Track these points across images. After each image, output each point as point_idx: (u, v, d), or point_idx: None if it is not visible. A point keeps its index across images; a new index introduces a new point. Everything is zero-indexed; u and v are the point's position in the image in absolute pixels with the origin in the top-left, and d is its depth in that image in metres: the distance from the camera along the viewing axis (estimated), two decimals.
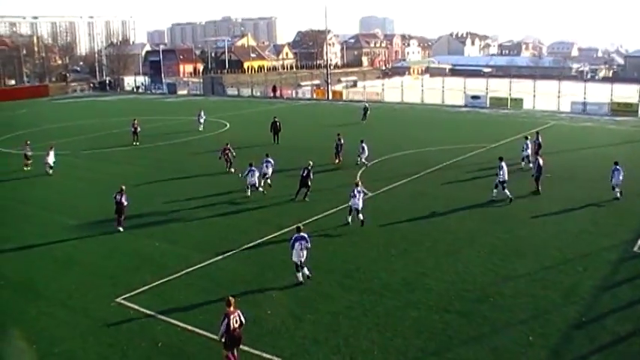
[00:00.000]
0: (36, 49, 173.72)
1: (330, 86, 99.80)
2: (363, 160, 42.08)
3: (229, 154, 41.10)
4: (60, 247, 27.44)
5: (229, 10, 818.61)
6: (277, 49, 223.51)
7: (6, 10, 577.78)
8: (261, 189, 34.99)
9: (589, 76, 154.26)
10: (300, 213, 30.69)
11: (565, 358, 17.35)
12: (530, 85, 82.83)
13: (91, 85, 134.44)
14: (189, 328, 19.15)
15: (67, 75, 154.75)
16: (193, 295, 21.57)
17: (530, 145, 41.57)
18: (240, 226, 29.60)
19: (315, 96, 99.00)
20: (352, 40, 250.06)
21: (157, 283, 22.75)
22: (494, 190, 33.67)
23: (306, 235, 22.61)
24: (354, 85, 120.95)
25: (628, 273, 23.24)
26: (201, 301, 21.07)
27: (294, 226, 24.07)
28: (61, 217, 32.11)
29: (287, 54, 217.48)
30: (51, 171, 42.34)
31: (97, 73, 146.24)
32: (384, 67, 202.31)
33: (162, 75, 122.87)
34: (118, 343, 18.54)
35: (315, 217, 30.36)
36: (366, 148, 42.30)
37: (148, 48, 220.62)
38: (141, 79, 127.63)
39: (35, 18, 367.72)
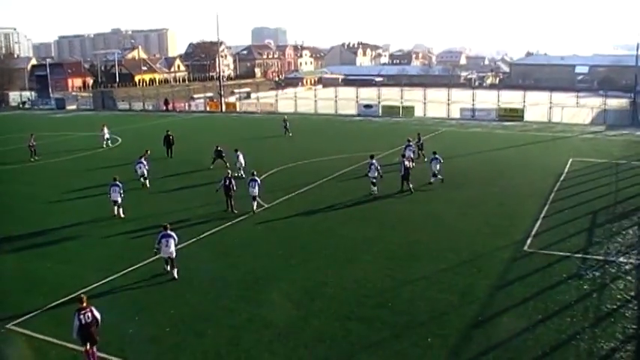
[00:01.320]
0: None
1: (223, 98, 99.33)
2: (241, 172, 41.50)
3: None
4: None
5: (119, 21, 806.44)
6: (169, 62, 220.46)
7: None
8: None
9: (477, 84, 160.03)
10: (198, 227, 30.36)
11: (464, 356, 17.82)
12: (421, 94, 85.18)
13: None
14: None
15: None
16: None
17: (413, 147, 44.65)
18: (133, 245, 28.70)
19: (208, 108, 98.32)
20: (245, 52, 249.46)
21: (51, 305, 21.87)
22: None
23: (173, 233, 24.04)
24: (248, 96, 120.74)
25: (520, 271, 24.12)
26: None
27: (190, 241, 23.67)
28: None
29: (179, 66, 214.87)
30: None
31: None
32: (277, 78, 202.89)
33: (50, 90, 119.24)
34: None
35: (215, 230, 30.06)
36: (241, 157, 42.27)
37: (34, 62, 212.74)
38: (27, 94, 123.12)
39: None
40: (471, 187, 38.75)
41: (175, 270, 24.11)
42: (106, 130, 59.98)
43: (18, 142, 56.48)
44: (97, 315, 17.48)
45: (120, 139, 62.81)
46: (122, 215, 32.87)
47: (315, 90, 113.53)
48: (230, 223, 31.24)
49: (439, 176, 38.90)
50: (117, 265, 25.67)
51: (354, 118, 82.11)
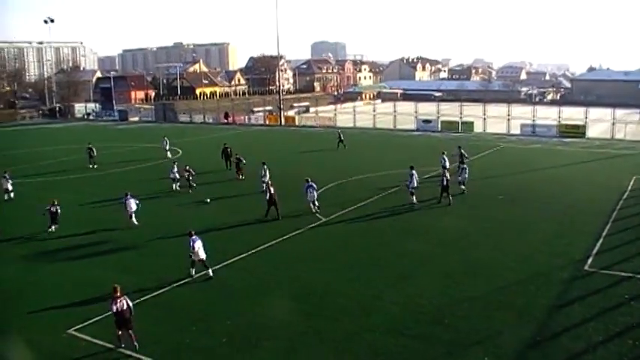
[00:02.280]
0: None
1: (282, 112, 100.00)
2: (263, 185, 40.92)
3: (189, 176, 43.12)
4: (9, 277, 26.90)
5: (181, 36, 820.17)
6: (229, 75, 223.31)
7: None
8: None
9: (537, 99, 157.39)
10: (254, 237, 30.58)
11: None
12: (480, 109, 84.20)
13: (41, 111, 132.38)
14: (143, 358, 18.83)
15: (16, 102, 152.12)
16: (148, 325, 21.13)
17: (447, 160, 45.45)
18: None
19: (267, 122, 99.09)
20: (304, 66, 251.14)
21: (109, 313, 22.28)
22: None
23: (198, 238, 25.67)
24: (307, 110, 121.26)
25: (580, 291, 23.61)
26: (155, 331, 20.74)
27: (248, 253, 23.86)
28: (15, 247, 31.40)
29: (239, 80, 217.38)
30: (11, 195, 42.49)
31: (47, 99, 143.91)
32: (336, 93, 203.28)
33: (114, 102, 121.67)
34: None
35: (273, 242, 30.22)
36: (267, 170, 42.76)
37: (98, 74, 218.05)
38: (92, 106, 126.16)
39: None
40: (530, 204, 38.15)
41: (210, 270, 25.65)
42: (166, 140, 62.09)
43: (79, 153, 57.74)
44: (130, 303, 19.67)
45: (180, 151, 63.79)
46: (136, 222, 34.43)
47: (373, 104, 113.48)
48: (287, 236, 31.34)
49: (462, 187, 40.33)
50: (173, 274, 26.07)
51: (412, 133, 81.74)
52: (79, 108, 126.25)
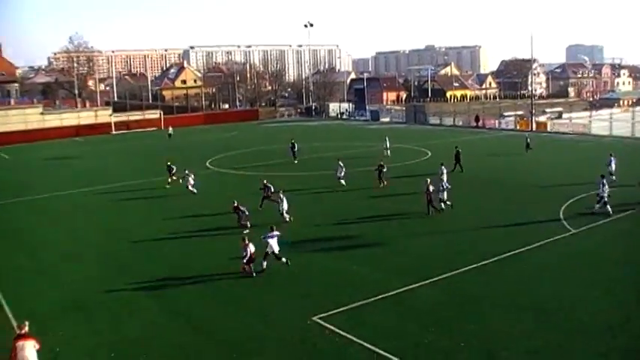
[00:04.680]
0: (248, 75, 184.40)
1: (534, 117, 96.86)
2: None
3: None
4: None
5: (433, 38, 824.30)
6: (480, 79, 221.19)
7: (223, 39, 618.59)
8: None
9: None
10: (498, 245, 29.95)
11: None
12: None
13: (298, 110, 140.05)
14: (382, 352, 19.20)
15: (276, 100, 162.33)
16: (389, 321, 21.66)
17: (614, 161, 44.57)
18: (439, 255, 29.34)
19: (518, 127, 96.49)
20: (558, 70, 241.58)
21: (353, 305, 23.11)
22: (596, 205, 35.29)
23: (277, 233, 27.57)
24: (559, 116, 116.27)
25: None
26: (395, 327, 21.14)
27: (493, 259, 23.51)
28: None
29: (490, 83, 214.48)
30: (195, 190, 45.26)
31: (304, 98, 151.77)
32: (591, 99, 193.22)
33: (366, 102, 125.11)
34: None
35: (517, 251, 29.44)
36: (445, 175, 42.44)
37: (352, 76, 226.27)
38: (345, 106, 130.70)
39: (249, 47, 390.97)
40: None
41: (284, 258, 27.45)
42: (387, 140, 64.21)
43: (333, 150, 59.95)
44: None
45: (429, 153, 64.16)
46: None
47: (632, 112, 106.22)
48: (531, 246, 30.21)
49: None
50: (420, 273, 26.36)
51: None
52: (333, 107, 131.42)
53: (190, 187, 45.22)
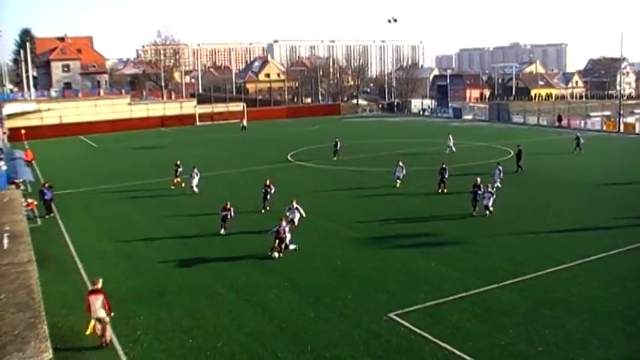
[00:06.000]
0: (331, 70, 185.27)
1: (622, 118, 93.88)
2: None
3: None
4: (340, 258, 28.90)
5: (518, 36, 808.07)
6: (566, 77, 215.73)
7: (307, 34, 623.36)
8: None
9: None
10: (582, 249, 29.22)
11: None
12: None
13: (380, 105, 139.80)
14: (457, 352, 19.06)
15: (358, 95, 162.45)
16: (465, 321, 21.45)
17: None
18: (518, 257, 28.84)
19: (605, 128, 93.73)
20: None
21: (429, 303, 22.99)
22: None
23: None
24: None
25: None
26: (471, 328, 20.91)
27: (572, 263, 22.96)
28: (344, 230, 33.92)
29: (577, 82, 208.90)
30: (197, 190, 44.57)
31: (386, 94, 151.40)
32: None
33: (449, 99, 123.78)
34: (386, 357, 19.09)
35: (598, 255, 28.63)
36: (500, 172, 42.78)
37: (435, 72, 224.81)
38: (427, 102, 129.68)
39: (332, 42, 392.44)
40: None
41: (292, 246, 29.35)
42: (451, 138, 64.26)
43: (414, 146, 59.69)
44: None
45: (511, 152, 62.99)
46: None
47: None
48: (614, 251, 29.19)
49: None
50: (498, 274, 26.11)
51: None
52: (416, 104, 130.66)
53: (194, 188, 44.74)
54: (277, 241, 28.71)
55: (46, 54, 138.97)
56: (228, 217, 33.20)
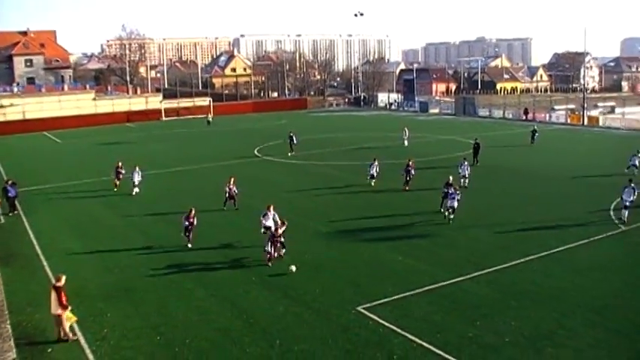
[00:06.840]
0: (298, 64, 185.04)
1: (585, 111, 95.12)
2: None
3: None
4: (311, 252, 28.96)
5: (484, 30, 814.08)
6: (531, 71, 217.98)
7: (273, 28, 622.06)
8: None
9: None
10: (549, 241, 29.57)
11: None
12: None
13: (347, 100, 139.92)
14: (425, 345, 19.19)
15: (325, 90, 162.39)
16: (433, 313, 21.59)
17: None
18: (485, 249, 29.09)
19: (569, 120, 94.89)
20: (612, 64, 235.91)
21: (398, 296, 23.11)
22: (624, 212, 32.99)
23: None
24: (612, 111, 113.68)
25: None
26: (440, 320, 21.07)
27: (540, 255, 23.18)
28: (313, 224, 33.97)
29: (541, 76, 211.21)
30: (136, 189, 43.11)
31: (353, 88, 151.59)
32: None
33: (415, 93, 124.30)
34: (354, 350, 19.15)
35: (564, 247, 29.01)
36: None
37: (402, 66, 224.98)
38: (394, 96, 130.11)
39: (299, 36, 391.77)
40: None
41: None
42: (406, 131, 65.51)
43: (382, 140, 59.88)
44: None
45: None
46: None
47: None
48: (580, 242, 29.67)
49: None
50: (465, 267, 26.29)
51: None
52: (382, 98, 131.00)
53: (135, 188, 43.03)
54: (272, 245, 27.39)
55: (8, 48, 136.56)
56: (190, 228, 30.08)
